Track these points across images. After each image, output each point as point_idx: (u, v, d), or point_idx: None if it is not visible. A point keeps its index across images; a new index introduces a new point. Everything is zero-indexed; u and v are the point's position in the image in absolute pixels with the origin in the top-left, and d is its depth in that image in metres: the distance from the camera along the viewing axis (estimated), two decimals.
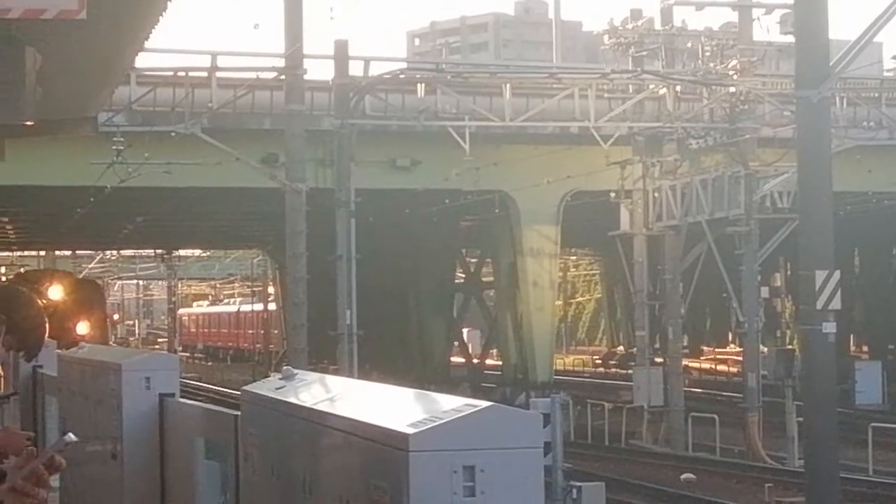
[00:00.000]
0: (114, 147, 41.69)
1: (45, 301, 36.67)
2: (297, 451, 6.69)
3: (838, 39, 28.69)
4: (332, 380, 8.36)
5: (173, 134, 44.18)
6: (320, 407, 6.49)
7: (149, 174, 41.24)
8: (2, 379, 13.08)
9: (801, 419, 36.02)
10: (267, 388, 7.45)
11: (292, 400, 6.97)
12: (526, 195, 53.60)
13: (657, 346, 57.44)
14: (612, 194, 53.93)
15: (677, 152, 51.54)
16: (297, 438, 6.63)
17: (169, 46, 51.19)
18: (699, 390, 59.94)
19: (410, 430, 5.07)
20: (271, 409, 7.14)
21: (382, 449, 5.22)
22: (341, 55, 50.63)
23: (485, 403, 5.20)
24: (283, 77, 47.86)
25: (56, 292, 49.34)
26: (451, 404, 5.27)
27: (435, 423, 5.10)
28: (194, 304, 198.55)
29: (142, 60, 33.10)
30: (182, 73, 48.79)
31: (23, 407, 13.89)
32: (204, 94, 47.91)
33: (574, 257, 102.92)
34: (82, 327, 45.11)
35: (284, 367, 8.06)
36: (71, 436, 5.11)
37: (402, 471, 5.01)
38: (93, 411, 12.18)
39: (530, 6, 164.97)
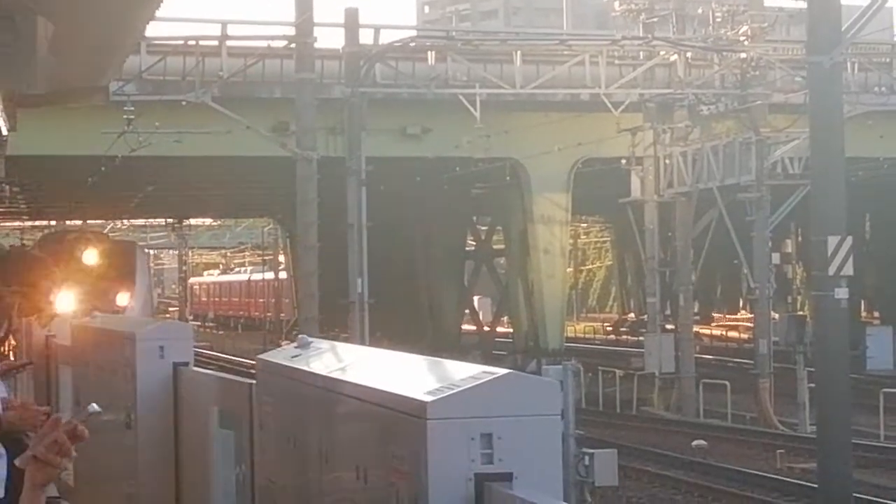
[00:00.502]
0: (125, 116, 41.75)
1: (75, 267, 34.25)
2: (314, 420, 6.71)
3: (849, 5, 28.63)
4: (347, 348, 8.27)
5: (184, 103, 44.20)
6: (336, 375, 6.50)
7: (159, 143, 41.31)
8: (14, 349, 12.99)
9: (812, 385, 36.02)
10: (282, 356, 7.46)
11: (308, 368, 7.01)
12: (536, 162, 53.58)
13: (668, 312, 57.46)
14: (623, 161, 53.96)
15: (688, 119, 51.54)
16: (314, 407, 6.65)
17: (179, 15, 50.90)
18: (710, 357, 59.97)
19: (428, 398, 5.09)
20: (287, 378, 7.16)
21: (400, 417, 5.23)
22: (351, 23, 50.64)
23: (502, 371, 5.22)
24: (293, 45, 47.91)
25: (91, 257, 43.81)
26: (467, 372, 5.29)
27: (452, 391, 5.11)
28: (205, 273, 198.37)
29: (152, 29, 33.01)
30: (192, 42, 48.75)
31: (36, 377, 13.83)
32: (214, 62, 47.84)
33: (585, 224, 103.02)
34: (122, 298, 38.91)
35: (300, 336, 8.04)
36: (94, 406, 5.13)
37: (420, 439, 5.02)
38: (107, 381, 12.14)
39: None
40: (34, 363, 13.11)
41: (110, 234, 64.39)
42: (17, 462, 5.20)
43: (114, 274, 37.68)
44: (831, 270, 27.05)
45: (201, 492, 10.67)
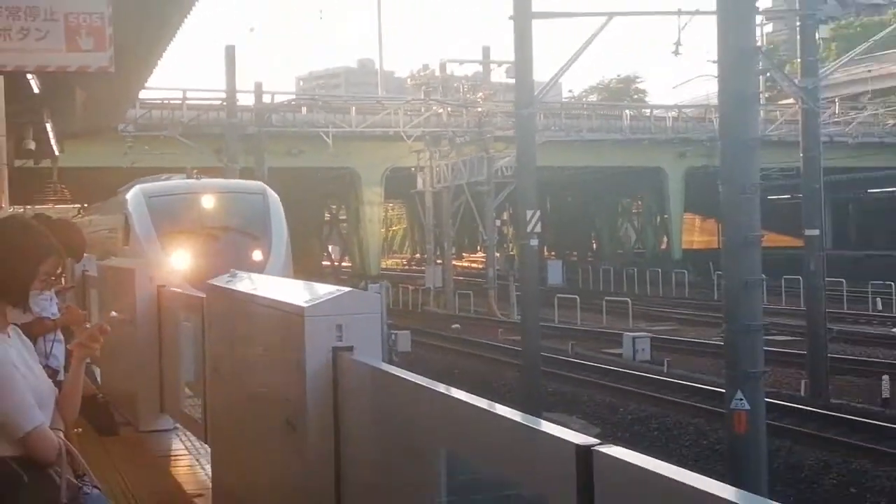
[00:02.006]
0: (126, 143, 41.51)
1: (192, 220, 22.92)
2: (239, 320, 6.62)
3: (539, 81, 28.87)
4: (259, 277, 7.99)
5: (161, 136, 43.89)
6: (252, 292, 6.44)
7: (149, 158, 40.67)
8: (64, 277, 12.76)
9: (518, 293, 36.31)
10: (221, 282, 7.30)
11: (235, 288, 6.83)
12: (364, 170, 53.77)
13: (438, 253, 57.57)
14: (412, 169, 54.00)
15: (448, 145, 51.65)
16: (238, 312, 6.56)
17: (158, 85, 50.27)
18: (461, 278, 60.06)
19: (305, 304, 5.10)
20: (223, 295, 7.01)
21: (289, 315, 5.21)
22: (258, 92, 50.79)
23: (346, 288, 5.24)
24: (225, 104, 47.82)
25: (211, 207, 24.82)
26: (327, 289, 5.31)
27: (319, 300, 5.13)
28: None
29: (141, 94, 32.78)
30: (166, 101, 48.57)
31: (76, 296, 13.37)
32: (178, 113, 47.83)
33: (391, 204, 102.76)
34: (256, 254, 24.06)
35: (232, 270, 7.93)
36: (114, 313, 5.07)
37: (301, 327, 5.00)
38: (116, 299, 11.72)
39: (365, 62, 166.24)
40: (74, 287, 12.06)
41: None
42: (69, 346, 5.10)
43: (242, 225, 23.90)
44: (528, 229, 27.34)
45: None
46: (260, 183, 27.32)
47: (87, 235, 22.74)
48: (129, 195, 23.86)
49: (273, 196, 25.00)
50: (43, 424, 3.83)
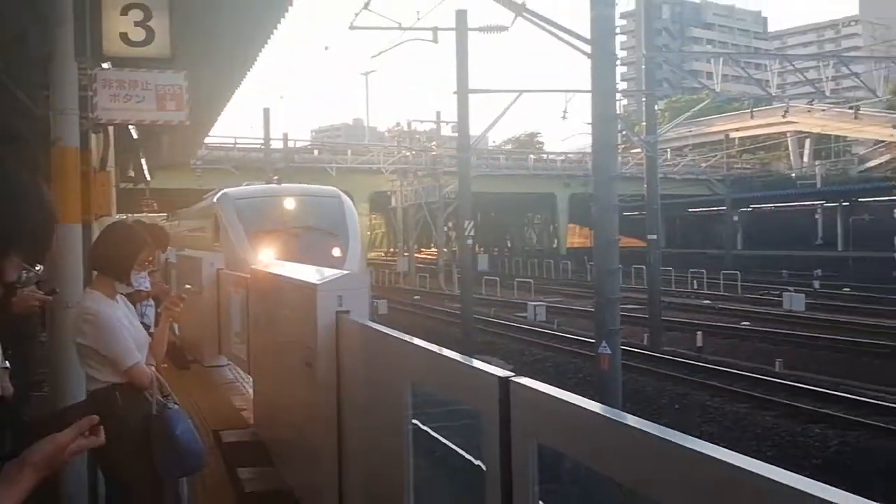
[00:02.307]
0: (196, 173, 40.94)
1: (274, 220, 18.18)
2: (271, 295, 6.56)
3: (473, 134, 28.81)
4: (288, 263, 7.49)
5: (219, 168, 43.55)
6: (281, 273, 6.38)
7: (212, 183, 40.32)
8: (153, 262, 12.46)
9: (459, 276, 36.27)
10: (261, 266, 7.24)
11: (272, 271, 6.74)
12: (356, 192, 52.90)
13: (405, 248, 57.32)
14: (389, 192, 53.61)
15: (414, 176, 51.33)
16: (271, 288, 6.50)
17: (218, 133, 50.01)
18: (421, 265, 59.85)
19: (318, 282, 5.03)
20: (263, 276, 6.95)
21: (307, 288, 5.17)
22: (285, 139, 50.68)
23: (346, 272, 5.19)
24: (262, 147, 47.42)
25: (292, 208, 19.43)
26: (333, 273, 5.25)
27: (326, 279, 5.08)
28: None
29: (206, 139, 32.30)
30: (222, 144, 48.42)
31: (162, 276, 13.21)
32: (231, 152, 47.64)
33: (374, 216, 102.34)
34: (335, 251, 19.09)
35: (266, 253, 7.83)
36: (188, 286, 5.00)
37: (314, 298, 4.95)
38: (189, 277, 11.63)
39: (358, 120, 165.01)
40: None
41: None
42: (158, 310, 5.03)
43: (322, 225, 18.78)
44: (465, 233, 27.31)
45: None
46: (334, 188, 21.91)
47: (180, 234, 20.84)
48: (219, 199, 19.38)
49: (346, 199, 20.48)
50: (140, 362, 3.82)
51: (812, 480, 1.68)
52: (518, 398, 2.69)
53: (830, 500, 1.60)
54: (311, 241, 17.23)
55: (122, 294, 4.06)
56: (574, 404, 2.44)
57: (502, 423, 2.73)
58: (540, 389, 2.62)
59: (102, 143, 8.97)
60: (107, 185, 7.08)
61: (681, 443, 1.98)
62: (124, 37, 6.75)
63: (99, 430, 1.70)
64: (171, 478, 3.77)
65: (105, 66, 6.87)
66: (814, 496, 1.63)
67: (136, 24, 6.77)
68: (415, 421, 3.86)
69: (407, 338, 4.02)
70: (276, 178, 23.37)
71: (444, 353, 3.49)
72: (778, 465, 1.77)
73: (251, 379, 8.27)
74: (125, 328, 3.84)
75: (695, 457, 1.92)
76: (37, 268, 1.69)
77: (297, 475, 5.78)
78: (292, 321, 5.66)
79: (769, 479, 1.73)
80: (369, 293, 5.17)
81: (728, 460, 1.85)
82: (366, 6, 16.97)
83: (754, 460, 1.81)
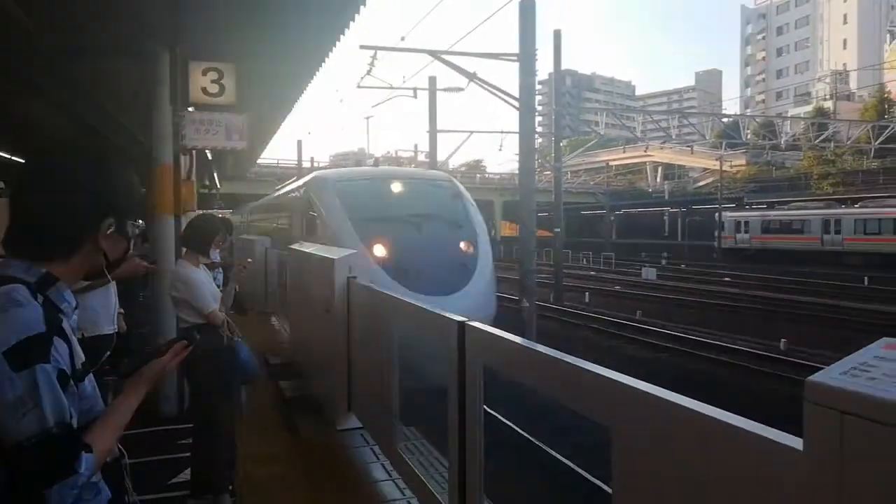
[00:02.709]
0: (251, 182, 39.90)
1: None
2: (300, 266, 6.18)
3: (440, 160, 28.46)
4: (310, 245, 6.96)
5: (266, 180, 42.50)
6: (308, 251, 6.27)
7: (263, 190, 39.40)
8: (223, 243, 11.42)
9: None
10: (295, 247, 6.81)
11: (303, 250, 6.33)
12: None
13: None
14: None
15: None
16: (301, 262, 6.17)
17: (266, 156, 48.35)
18: None
19: (335, 258, 4.94)
20: (295, 252, 6.55)
21: (327, 262, 5.05)
22: (311, 162, 49.23)
23: (354, 250, 5.08)
24: (296, 167, 46.45)
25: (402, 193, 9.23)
26: (343, 252, 5.16)
27: (342, 256, 4.99)
28: None
29: (258, 160, 31.33)
30: (270, 165, 47.25)
31: (229, 252, 12.71)
32: (275, 169, 46.41)
33: None
34: (464, 244, 8.72)
35: (300, 241, 7.44)
36: (249, 259, 4.91)
37: (332, 269, 4.87)
38: (248, 254, 11.37)
39: (362, 148, 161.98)
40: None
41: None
42: (228, 275, 4.94)
43: (442, 214, 8.66)
44: None
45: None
46: (443, 172, 13.59)
47: (269, 226, 13.81)
48: (313, 181, 10.32)
49: (462, 186, 10.60)
50: (216, 309, 3.79)
51: (654, 386, 1.71)
52: (470, 336, 2.71)
53: (666, 398, 1.62)
54: (434, 232, 9.13)
55: (203, 264, 4.03)
56: (506, 339, 2.47)
57: (459, 352, 2.75)
58: (485, 329, 2.65)
59: (188, 161, 8.83)
60: (190, 189, 6.98)
61: (571, 362, 2.03)
62: (204, 90, 6.78)
63: (186, 353, 1.68)
64: (236, 386, 3.75)
65: (191, 109, 6.83)
66: (649, 394, 1.65)
67: (213, 81, 6.81)
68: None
69: (393, 294, 4.03)
70: (377, 158, 17.48)
71: (417, 304, 3.51)
72: (635, 379, 1.80)
73: (289, 322, 8.18)
74: (206, 286, 3.81)
75: (577, 370, 1.97)
76: (138, 222, 1.62)
77: (319, 385, 5.74)
78: (317, 283, 5.61)
79: (619, 382, 1.77)
80: (370, 266, 4.96)
81: (599, 372, 1.89)
82: (368, 73, 16.79)
83: (614, 371, 1.86)
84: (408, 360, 3.80)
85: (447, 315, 2.97)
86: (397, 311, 3.81)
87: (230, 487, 3.84)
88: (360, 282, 4.72)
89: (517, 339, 2.41)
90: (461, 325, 2.77)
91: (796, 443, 1.21)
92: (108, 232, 1.52)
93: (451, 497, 2.80)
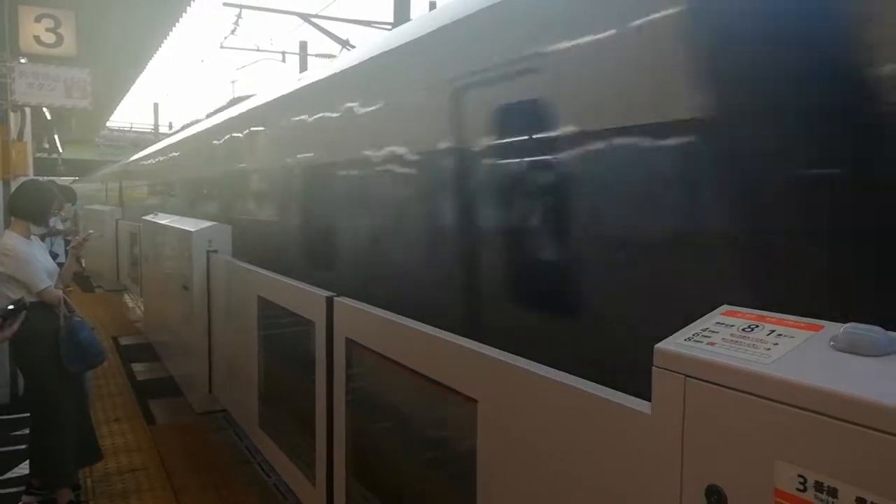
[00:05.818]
0: (98, 148, 36.46)
1: None
2: (156, 240, 6.07)
3: None
4: (172, 217, 6.85)
5: (117, 146, 39.20)
6: (164, 223, 5.92)
7: (111, 156, 36.38)
8: (63, 212, 11.10)
9: None
10: (149, 218, 6.65)
11: (159, 221, 6.19)
12: None
13: None
14: None
15: None
16: (159, 235, 6.00)
17: (116, 119, 43.42)
18: None
19: (192, 230, 4.73)
20: (149, 225, 6.40)
21: (184, 234, 4.85)
22: (170, 127, 46.23)
23: (216, 223, 4.86)
24: (152, 131, 43.25)
25: None
26: (205, 223, 4.94)
27: (201, 227, 4.78)
28: None
29: (108, 123, 28.69)
30: (120, 129, 43.53)
31: (73, 223, 11.92)
32: (127, 133, 42.82)
33: None
34: None
35: (156, 212, 7.17)
36: (91, 231, 4.52)
37: (189, 241, 4.66)
38: (94, 224, 10.64)
39: None
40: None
41: None
42: (68, 247, 4.51)
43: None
44: None
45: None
46: None
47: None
48: None
49: None
50: (50, 286, 3.45)
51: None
52: (339, 312, 2.68)
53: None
54: None
55: (35, 234, 3.64)
56: (372, 313, 2.45)
57: (328, 325, 2.71)
58: (351, 304, 2.62)
59: (20, 120, 7.98)
60: (22, 152, 6.27)
61: (435, 334, 2.04)
62: (37, 39, 6.15)
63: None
64: (78, 370, 3.44)
65: (23, 60, 6.13)
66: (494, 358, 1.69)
67: (48, 29, 6.20)
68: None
69: (252, 267, 3.91)
70: None
71: (280, 279, 3.41)
72: (500, 350, 1.82)
73: (143, 300, 7.69)
74: (38, 261, 3.46)
75: (443, 342, 1.98)
76: None
77: (176, 367, 5.50)
78: (174, 257, 5.29)
79: (485, 354, 1.80)
80: (231, 239, 4.81)
81: (464, 344, 1.91)
82: (232, 32, 15.88)
83: (480, 343, 1.88)
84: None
85: (315, 290, 2.92)
86: (262, 287, 3.67)
87: (76, 481, 3.60)
88: (220, 257, 4.51)
89: (383, 312, 2.40)
90: (329, 300, 2.73)
91: (645, 407, 1.28)
92: None
93: (319, 473, 2.78)
